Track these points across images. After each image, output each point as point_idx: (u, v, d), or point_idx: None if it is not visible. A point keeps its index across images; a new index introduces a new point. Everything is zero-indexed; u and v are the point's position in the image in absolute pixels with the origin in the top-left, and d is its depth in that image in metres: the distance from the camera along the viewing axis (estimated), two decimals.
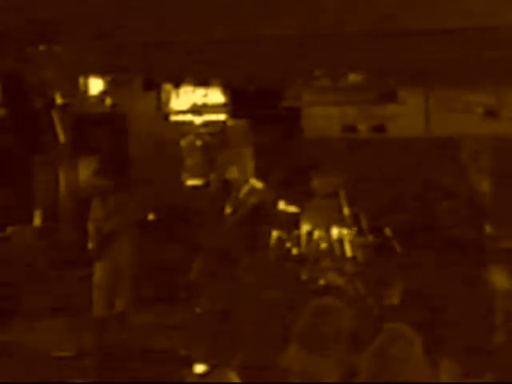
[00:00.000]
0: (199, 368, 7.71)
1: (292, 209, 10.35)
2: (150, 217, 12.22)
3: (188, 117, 12.78)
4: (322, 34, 6.40)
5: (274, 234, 9.93)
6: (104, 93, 11.60)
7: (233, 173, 9.89)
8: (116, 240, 9.19)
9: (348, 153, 11.91)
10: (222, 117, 12.72)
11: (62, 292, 10.19)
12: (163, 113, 12.69)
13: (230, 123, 12.85)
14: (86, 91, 11.48)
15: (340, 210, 9.95)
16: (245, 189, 9.74)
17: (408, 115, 12.07)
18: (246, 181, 9.83)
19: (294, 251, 9.78)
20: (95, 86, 11.48)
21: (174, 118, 12.78)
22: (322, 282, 9.40)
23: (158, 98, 12.62)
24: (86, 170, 12.53)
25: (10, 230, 11.40)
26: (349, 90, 11.65)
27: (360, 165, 11.60)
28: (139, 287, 10.51)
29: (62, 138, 11.64)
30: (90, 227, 9.33)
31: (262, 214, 9.66)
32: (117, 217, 9.22)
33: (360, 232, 10.00)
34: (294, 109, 12.42)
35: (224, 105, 12.59)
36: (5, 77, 10.40)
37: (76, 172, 12.50)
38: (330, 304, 4.75)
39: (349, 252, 9.70)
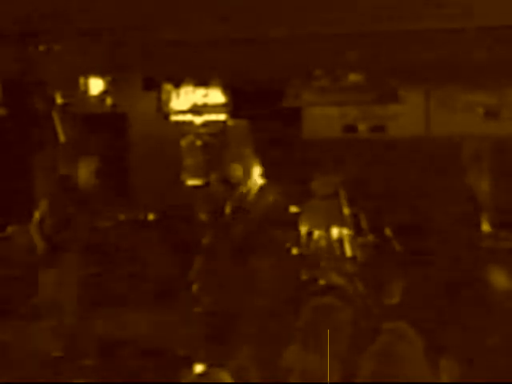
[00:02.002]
0: (199, 368, 7.71)
1: (292, 209, 10.34)
2: (150, 217, 12.23)
3: (188, 117, 12.77)
4: (322, 34, 6.40)
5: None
6: (104, 93, 11.60)
7: (237, 171, 9.84)
8: (67, 250, 9.09)
9: (348, 153, 11.90)
10: (222, 117, 12.71)
11: None
12: (163, 113, 12.69)
13: (230, 123, 12.85)
14: (86, 91, 11.48)
15: (340, 210, 9.94)
16: (254, 189, 9.70)
17: (408, 115, 12.06)
18: (255, 182, 9.80)
19: (294, 251, 9.77)
20: (95, 85, 11.48)
21: (174, 117, 12.77)
22: (322, 282, 9.40)
23: (158, 98, 12.62)
24: (86, 170, 12.52)
25: (9, 229, 11.40)
26: (349, 90, 11.65)
27: (360, 165, 11.60)
28: (140, 287, 10.52)
29: (62, 137, 11.63)
30: (34, 230, 9.21)
31: (274, 216, 9.64)
32: (72, 225, 9.13)
33: (360, 232, 9.99)
34: (294, 109, 12.41)
35: (224, 105, 12.58)
36: (5, 77, 10.40)
37: (76, 172, 12.49)
38: (330, 304, 4.75)
39: (349, 252, 9.69)
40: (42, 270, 9.14)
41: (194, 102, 12.65)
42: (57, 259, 9.02)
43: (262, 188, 9.65)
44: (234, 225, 9.65)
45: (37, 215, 9.23)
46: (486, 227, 10.32)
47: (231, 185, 9.84)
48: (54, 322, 9.01)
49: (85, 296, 9.72)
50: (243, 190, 9.71)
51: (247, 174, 9.76)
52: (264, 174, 9.77)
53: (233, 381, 4.18)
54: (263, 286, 8.90)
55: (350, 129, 12.50)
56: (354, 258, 9.69)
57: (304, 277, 9.48)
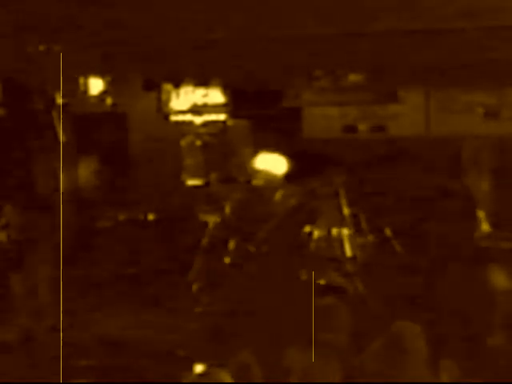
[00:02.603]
0: (199, 368, 7.71)
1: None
2: (150, 217, 12.23)
3: (188, 117, 12.78)
4: (322, 34, 6.40)
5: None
6: (104, 93, 11.60)
7: (261, 174, 9.87)
8: (37, 251, 9.10)
9: (348, 153, 11.91)
10: (222, 117, 12.72)
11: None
12: (163, 113, 12.70)
13: (230, 123, 12.86)
14: (86, 91, 11.48)
15: (340, 210, 9.95)
16: (278, 192, 9.72)
17: (408, 115, 12.07)
18: (278, 184, 9.81)
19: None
20: (95, 85, 11.48)
21: (173, 118, 12.78)
22: (321, 282, 9.40)
23: (158, 98, 12.62)
24: (85, 170, 12.54)
25: None
26: (349, 90, 11.65)
27: (360, 165, 11.60)
28: (139, 287, 10.52)
29: (62, 137, 11.64)
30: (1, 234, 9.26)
31: (300, 215, 9.65)
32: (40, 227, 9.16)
33: (360, 232, 10.00)
34: (293, 109, 12.42)
35: (224, 105, 12.59)
36: (5, 77, 10.40)
37: (76, 172, 12.50)
38: (330, 304, 4.75)
39: (349, 252, 9.70)
40: (12, 272, 9.18)
41: (193, 102, 12.66)
42: (25, 261, 9.06)
43: (285, 190, 9.69)
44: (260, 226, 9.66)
45: (2, 220, 9.28)
46: (485, 227, 10.32)
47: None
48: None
49: (85, 296, 9.73)
50: (267, 192, 9.73)
51: (271, 177, 9.79)
52: (287, 177, 9.81)
53: (233, 381, 4.18)
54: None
55: (350, 129, 12.50)
56: (353, 258, 9.70)
57: (304, 277, 9.49)
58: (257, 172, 9.89)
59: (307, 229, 9.89)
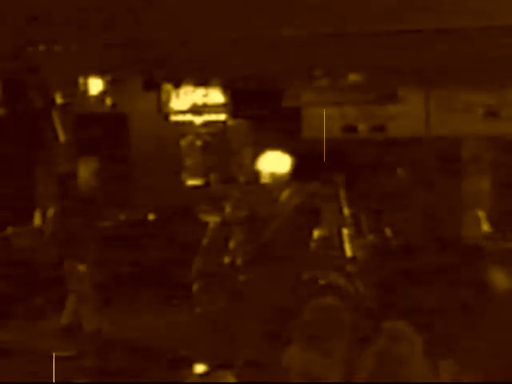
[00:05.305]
0: (199, 368, 7.71)
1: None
2: (150, 217, 12.24)
3: (188, 117, 12.78)
4: (322, 33, 6.41)
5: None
6: (104, 93, 11.61)
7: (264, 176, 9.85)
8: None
9: (348, 153, 11.91)
10: (222, 117, 12.72)
11: (62, 291, 10.19)
12: (163, 113, 12.70)
13: (230, 123, 12.86)
14: (86, 91, 11.49)
15: (340, 210, 9.94)
16: (284, 191, 9.71)
17: (408, 115, 12.06)
18: (284, 182, 9.80)
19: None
20: (95, 85, 11.48)
21: (174, 118, 12.79)
22: (321, 282, 9.40)
23: (158, 98, 12.63)
24: (85, 170, 12.53)
25: (10, 230, 11.40)
26: (349, 90, 11.66)
27: (360, 165, 11.60)
28: (139, 287, 10.53)
29: (62, 137, 11.64)
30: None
31: (304, 215, 9.64)
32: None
33: (360, 232, 9.99)
34: (294, 109, 12.42)
35: (224, 105, 12.60)
36: (5, 77, 10.41)
37: (76, 172, 12.48)
38: (330, 304, 4.75)
39: (349, 252, 9.69)
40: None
41: (193, 102, 12.67)
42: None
43: (290, 189, 9.67)
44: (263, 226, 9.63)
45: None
46: (485, 227, 10.32)
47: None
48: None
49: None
50: (273, 192, 9.72)
51: (277, 176, 9.77)
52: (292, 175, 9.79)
53: (235, 381, 4.19)
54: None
55: (350, 129, 12.50)
56: (353, 258, 9.69)
57: (304, 277, 9.48)
58: (261, 171, 9.86)
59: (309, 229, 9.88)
